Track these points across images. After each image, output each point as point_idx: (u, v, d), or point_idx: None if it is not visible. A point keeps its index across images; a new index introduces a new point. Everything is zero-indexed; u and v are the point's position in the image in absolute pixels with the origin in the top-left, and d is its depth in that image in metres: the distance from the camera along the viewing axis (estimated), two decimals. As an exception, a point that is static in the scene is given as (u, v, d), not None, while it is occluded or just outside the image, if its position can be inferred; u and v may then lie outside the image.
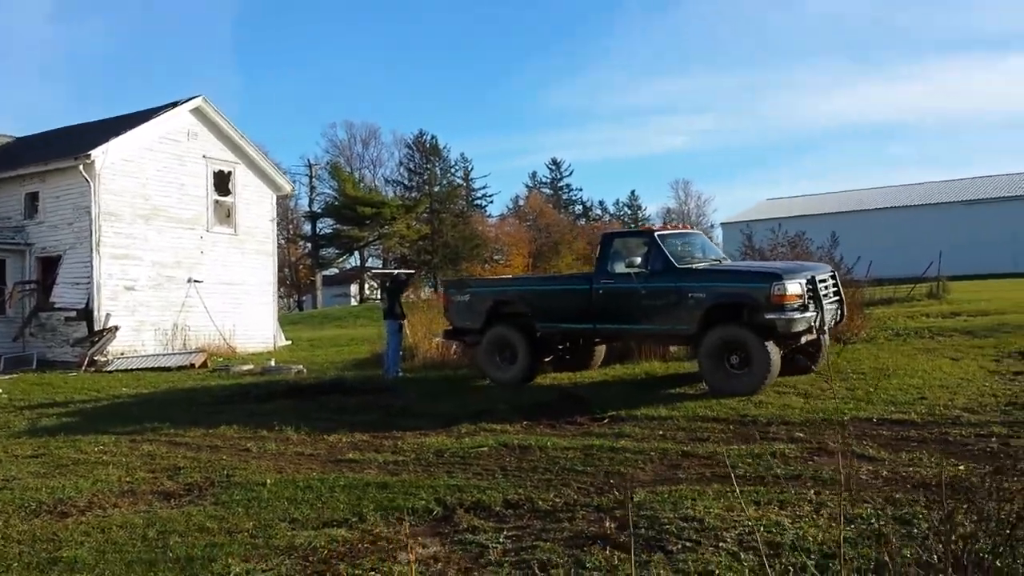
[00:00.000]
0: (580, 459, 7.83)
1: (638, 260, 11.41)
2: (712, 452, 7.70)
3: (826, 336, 10.92)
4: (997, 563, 3.67)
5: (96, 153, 19.95)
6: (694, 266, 11.37)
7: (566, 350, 13.27)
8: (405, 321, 15.46)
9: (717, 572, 4.50)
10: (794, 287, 10.31)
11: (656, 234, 11.66)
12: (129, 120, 22.15)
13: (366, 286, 71.73)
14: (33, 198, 21.66)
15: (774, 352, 10.25)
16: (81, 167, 19.94)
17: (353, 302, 66.95)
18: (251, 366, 18.12)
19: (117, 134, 20.71)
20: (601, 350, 13.86)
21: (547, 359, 13.10)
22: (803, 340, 10.67)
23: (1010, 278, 31.33)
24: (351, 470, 8.00)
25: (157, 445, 9.71)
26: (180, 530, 6.27)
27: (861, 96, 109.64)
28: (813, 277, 10.67)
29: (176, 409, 12.59)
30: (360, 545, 5.72)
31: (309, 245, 69.50)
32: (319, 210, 68.98)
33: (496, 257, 66.63)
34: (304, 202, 71.26)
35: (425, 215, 68.18)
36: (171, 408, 12.76)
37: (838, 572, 4.33)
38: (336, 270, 73.36)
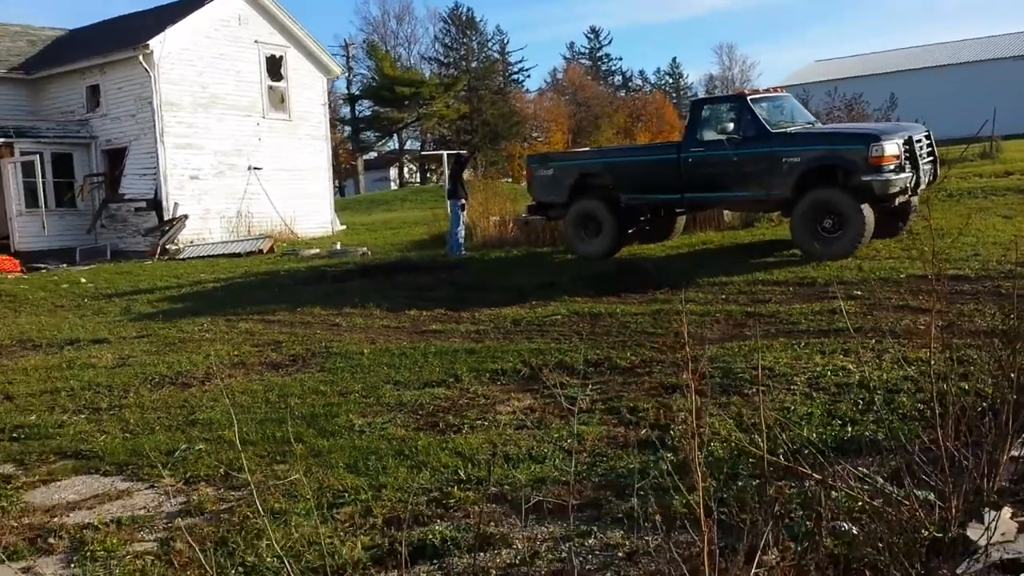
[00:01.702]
0: (650, 323, 8.40)
1: (729, 126, 11.23)
2: (775, 311, 8.21)
3: (916, 197, 10.91)
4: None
5: (154, 42, 20.26)
6: (788, 130, 11.29)
7: (648, 222, 13.30)
8: (464, 201, 15.77)
9: (792, 408, 5.07)
10: (892, 148, 10.21)
11: (748, 98, 11.49)
12: (180, 7, 22.29)
13: (406, 169, 71.87)
14: (94, 91, 22.12)
15: (869, 214, 10.28)
16: (140, 57, 20.30)
17: (393, 186, 67.27)
18: (317, 250, 18.88)
19: (172, 22, 20.95)
20: (682, 221, 13.98)
21: (630, 231, 13.16)
22: (898, 202, 10.65)
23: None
24: (437, 339, 8.67)
25: (252, 323, 10.50)
26: (297, 393, 7.00)
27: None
28: (910, 137, 10.58)
29: (260, 291, 13.40)
30: (460, 401, 6.40)
31: (349, 129, 69.40)
32: (357, 92, 68.47)
33: (535, 134, 66.12)
34: (341, 84, 70.85)
35: (463, 93, 67.29)
36: (255, 290, 13.58)
37: (903, 403, 4.89)
38: (375, 154, 73.34)
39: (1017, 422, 3.38)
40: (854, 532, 2.90)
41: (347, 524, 4.16)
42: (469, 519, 4.03)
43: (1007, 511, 2.93)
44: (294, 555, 3.78)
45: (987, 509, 2.88)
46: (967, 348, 5.94)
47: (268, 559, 3.73)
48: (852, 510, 3.13)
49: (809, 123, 12.02)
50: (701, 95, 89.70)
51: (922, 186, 10.78)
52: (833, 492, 3.18)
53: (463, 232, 15.70)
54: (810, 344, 6.74)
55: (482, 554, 3.39)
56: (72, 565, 4.07)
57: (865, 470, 3.32)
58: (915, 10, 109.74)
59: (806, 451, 3.50)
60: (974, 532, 2.71)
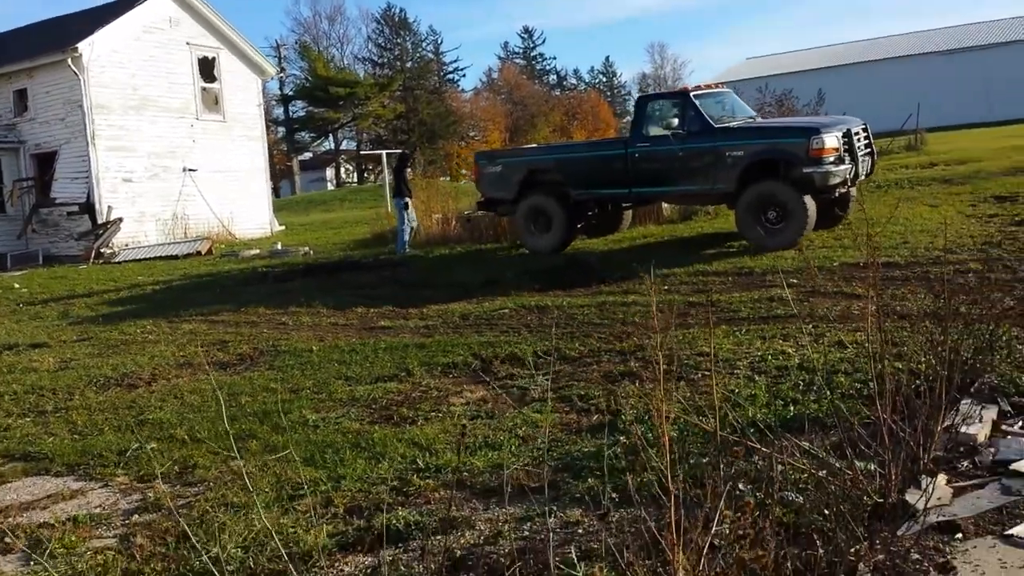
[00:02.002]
0: (596, 314, 8.58)
1: (674, 122, 11.43)
2: (716, 301, 8.45)
3: (855, 188, 11.25)
4: (978, 361, 4.45)
5: (83, 45, 19.78)
6: (730, 124, 11.52)
7: (596, 216, 13.51)
8: (409, 199, 15.79)
9: (737, 390, 5.27)
10: (832, 140, 10.47)
11: (691, 94, 11.67)
12: (109, 10, 21.79)
13: (342, 169, 71.21)
14: (21, 95, 21.50)
15: (811, 205, 10.51)
16: (69, 60, 19.78)
17: (330, 186, 66.57)
18: (257, 251, 18.67)
19: (101, 25, 20.45)
20: (629, 215, 14.18)
21: (579, 226, 13.34)
22: (837, 193, 10.94)
23: (987, 127, 31.92)
24: (386, 335, 8.71)
25: (196, 324, 10.38)
26: (247, 391, 6.98)
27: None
28: (849, 130, 10.86)
29: (201, 292, 13.22)
30: (413, 394, 6.46)
31: (283, 130, 68.46)
32: (290, 93, 67.57)
33: (472, 133, 66.18)
34: (273, 85, 69.73)
35: (399, 93, 66.92)
36: (196, 292, 13.39)
37: (841, 383, 5.13)
38: (310, 154, 72.46)
39: (948, 396, 3.60)
40: (800, 501, 3.07)
41: (308, 515, 4.20)
42: (431, 505, 4.11)
43: (942, 478, 3.14)
44: (258, 545, 3.82)
45: (924, 476, 3.07)
46: (900, 330, 6.22)
47: (232, 550, 3.76)
48: (799, 481, 3.30)
49: (750, 118, 12.30)
50: (636, 93, 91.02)
51: (860, 177, 11.16)
52: (780, 465, 3.36)
53: (408, 230, 15.66)
54: (751, 330, 6.98)
55: (447, 536, 3.48)
56: (31, 563, 4.03)
57: (809, 445, 3.50)
58: (842, 8, 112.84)
59: (752, 430, 3.68)
60: (912, 497, 2.91)
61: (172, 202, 21.75)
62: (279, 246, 18.69)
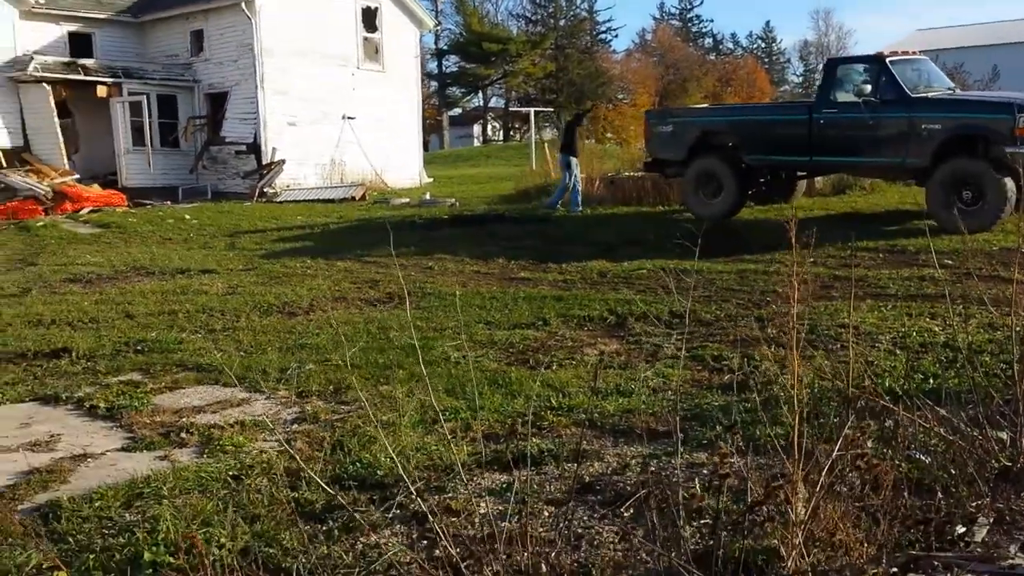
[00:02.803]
0: (735, 280, 8.58)
1: (866, 88, 10.88)
2: (863, 276, 8.28)
3: None
4: None
5: (257, -9, 20.92)
6: (928, 95, 10.89)
7: (767, 184, 13.03)
8: (574, 158, 15.35)
9: (876, 362, 5.24)
10: None
11: (887, 60, 11.08)
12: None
13: (489, 126, 72.05)
14: (198, 36, 22.93)
15: (1011, 188, 9.88)
16: (243, 4, 20.98)
17: (476, 143, 67.55)
18: (407, 199, 19.40)
19: (278, -30, 21.54)
20: (802, 185, 13.63)
21: (749, 192, 12.86)
22: None
23: None
24: (526, 286, 9.02)
25: (350, 263, 11.02)
26: (395, 327, 7.42)
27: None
28: None
29: (355, 235, 13.96)
30: (549, 342, 6.72)
31: (435, 84, 69.78)
32: (445, 47, 68.68)
33: (621, 96, 65.39)
34: (428, 39, 70.93)
35: (550, 51, 66.85)
36: (351, 234, 14.16)
37: (985, 363, 5.02)
38: (459, 110, 73.65)
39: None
40: (927, 460, 3.12)
41: (449, 437, 4.54)
42: (562, 439, 4.37)
43: (1077, 451, 3.11)
44: (404, 456, 4.17)
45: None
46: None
47: (382, 458, 4.13)
48: (928, 444, 3.34)
49: (948, 89, 11.56)
50: (796, 61, 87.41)
51: None
52: (910, 428, 3.41)
53: (571, 187, 15.19)
54: (897, 307, 6.85)
55: (577, 464, 3.72)
56: (204, 455, 4.55)
57: (944, 412, 3.51)
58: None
59: (887, 397, 3.71)
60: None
61: (331, 148, 22.81)
62: (428, 196, 19.35)
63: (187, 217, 17.20)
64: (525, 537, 2.52)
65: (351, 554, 3.03)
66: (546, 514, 3.24)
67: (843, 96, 11.29)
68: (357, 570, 2.73)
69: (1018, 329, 5.37)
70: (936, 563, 2.24)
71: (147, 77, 22.31)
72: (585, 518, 3.17)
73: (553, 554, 2.48)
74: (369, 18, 24.13)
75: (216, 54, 22.45)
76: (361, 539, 3.19)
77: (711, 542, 2.57)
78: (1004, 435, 3.25)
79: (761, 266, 9.15)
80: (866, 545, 2.28)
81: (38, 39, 21.77)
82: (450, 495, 3.60)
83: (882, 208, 12.83)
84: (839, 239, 10.25)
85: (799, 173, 12.94)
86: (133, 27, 23.85)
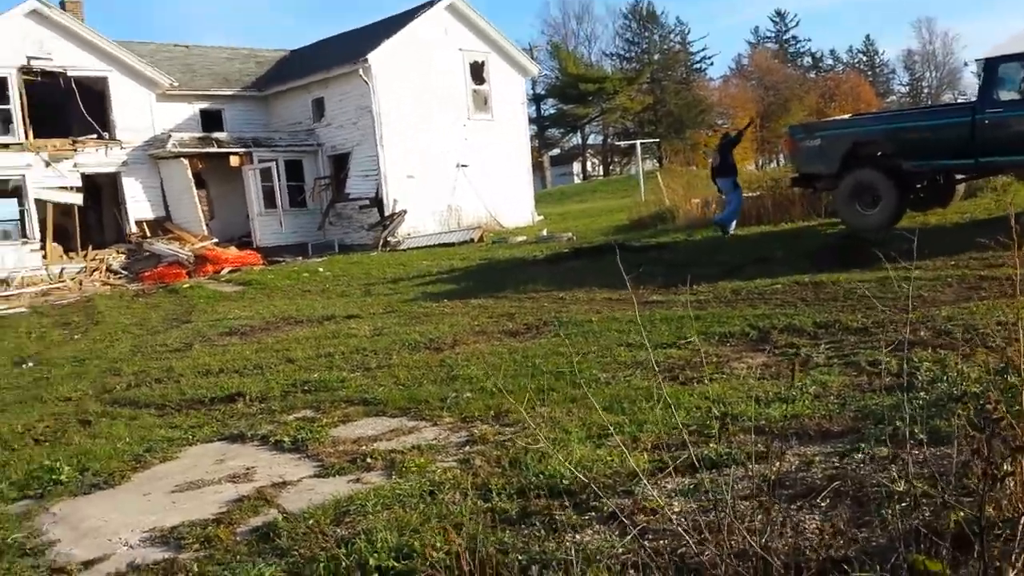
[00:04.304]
0: (876, 288, 8.42)
1: None
2: (1011, 275, 8.02)
3: None
4: None
5: (371, 56, 22.14)
6: None
7: (925, 189, 12.86)
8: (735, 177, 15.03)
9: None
10: None
11: None
12: (393, 23, 24.19)
13: (589, 163, 72.51)
14: (319, 103, 24.35)
15: None
16: (360, 70, 22.21)
17: (576, 179, 68.08)
18: (524, 237, 19.83)
19: (386, 37, 22.78)
20: (961, 188, 13.31)
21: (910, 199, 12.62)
22: None
23: None
24: (660, 308, 9.12)
25: (484, 299, 11.38)
26: (540, 354, 7.66)
27: None
28: None
29: (483, 273, 14.40)
30: (693, 360, 6.79)
31: (534, 127, 70.88)
32: (542, 92, 69.91)
33: (720, 121, 64.78)
34: (527, 85, 72.11)
35: (646, 85, 67.12)
36: (478, 273, 14.60)
37: None
38: (558, 150, 74.54)
39: None
40: None
41: (619, 449, 4.71)
42: (735, 444, 4.47)
43: None
44: (583, 467, 4.37)
45: None
46: None
47: (561, 470, 4.34)
48: None
49: None
50: (901, 71, 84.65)
51: None
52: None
53: (739, 208, 14.88)
54: (1058, 303, 6.63)
55: (759, 465, 3.83)
56: (393, 476, 4.87)
57: None
58: None
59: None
60: None
61: (447, 194, 23.63)
62: (545, 232, 19.73)
63: (320, 270, 18.07)
64: (731, 526, 2.67)
65: (560, 551, 3.23)
66: (741, 507, 3.37)
67: (1008, 95, 11.02)
68: (574, 562, 2.92)
69: None
70: None
71: (274, 145, 23.76)
72: (783, 509, 3.28)
73: (763, 539, 2.62)
74: (477, 71, 25.05)
75: (336, 118, 23.72)
76: (567, 537, 3.39)
77: (915, 522, 2.65)
78: None
79: (900, 272, 8.97)
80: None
81: (173, 118, 23.55)
82: (638, 498, 3.76)
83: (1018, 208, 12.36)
84: (977, 240, 9.96)
85: (958, 176, 12.64)
86: (258, 100, 25.51)
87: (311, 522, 4.12)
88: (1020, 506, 2.19)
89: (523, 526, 3.71)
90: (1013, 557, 1.99)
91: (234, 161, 22.80)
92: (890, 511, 2.66)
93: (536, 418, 5.69)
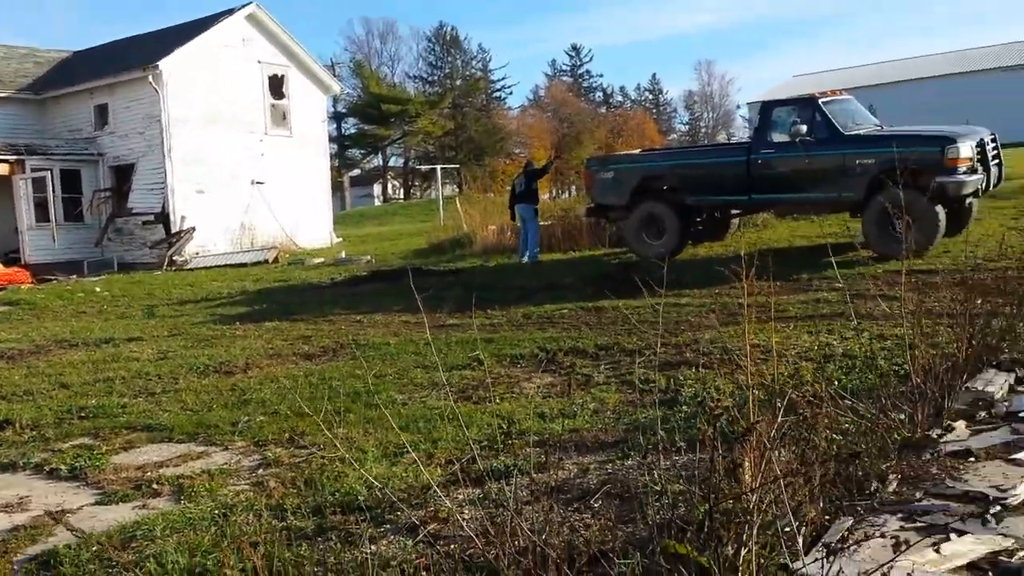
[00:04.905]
0: (651, 314, 9.17)
1: (802, 128, 11.44)
2: (765, 302, 8.98)
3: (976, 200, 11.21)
4: (1004, 342, 5.01)
5: (163, 63, 21.09)
6: (860, 132, 11.53)
7: (703, 223, 13.58)
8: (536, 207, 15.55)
9: (787, 373, 5.87)
10: (966, 150, 10.49)
11: (819, 101, 11.69)
12: (187, 29, 23.17)
13: (390, 185, 72.63)
14: (102, 110, 22.85)
15: (942, 215, 10.51)
16: (150, 77, 21.10)
17: (376, 201, 67.99)
18: (322, 259, 19.60)
19: (179, 44, 21.76)
20: (736, 222, 14.24)
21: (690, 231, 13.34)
22: (967, 202, 10.94)
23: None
24: (456, 331, 9.42)
25: (278, 322, 11.20)
26: (336, 377, 7.71)
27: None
28: (981, 139, 10.89)
29: (277, 296, 14.11)
30: (486, 380, 7.12)
31: (335, 146, 70.05)
32: (343, 110, 69.26)
33: (518, 150, 67.03)
34: (327, 103, 71.16)
35: (448, 110, 68.35)
36: (272, 295, 14.29)
37: (880, 366, 5.71)
38: (359, 171, 74.12)
39: (970, 363, 4.19)
40: (841, 439, 3.69)
41: (414, 465, 4.89)
42: (520, 457, 4.78)
43: (962, 423, 3.74)
44: (377, 485, 4.50)
45: (946, 420, 3.68)
46: (936, 327, 6.77)
47: (358, 487, 4.46)
48: (840, 427, 3.92)
49: (876, 126, 12.24)
50: (682, 110, 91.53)
51: (990, 187, 11.17)
52: (826, 419, 3.98)
53: (538, 236, 15.42)
54: (798, 326, 7.57)
55: (541, 474, 4.15)
56: (182, 501, 4.77)
57: (851, 401, 4.11)
58: (887, 29, 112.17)
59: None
60: (935, 435, 3.52)
61: (240, 212, 22.88)
62: (343, 254, 19.61)
63: (97, 290, 16.96)
64: (514, 526, 2.93)
65: (358, 559, 3.36)
66: (525, 511, 3.65)
67: (778, 136, 11.94)
68: (370, 566, 3.06)
69: (907, 334, 6.12)
70: (859, 508, 2.77)
71: (50, 153, 22.05)
72: (561, 511, 3.59)
73: (543, 536, 2.90)
74: (276, 85, 24.51)
75: (121, 127, 22.40)
76: (364, 548, 3.52)
77: (671, 515, 3.03)
78: (903, 416, 3.85)
79: (671, 299, 9.83)
80: (807, 500, 2.80)
81: (-68, 117, 21.30)
82: (431, 509, 3.96)
83: (776, 242, 13.82)
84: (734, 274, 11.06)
85: (734, 212, 13.62)
86: (34, 103, 23.63)
87: (94, 549, 3.98)
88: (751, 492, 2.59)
89: (320, 541, 3.80)
90: (743, 535, 2.37)
91: (3, 169, 20.90)
92: (650, 508, 3.02)
93: (332, 440, 5.76)
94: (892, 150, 10.75)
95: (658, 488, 3.23)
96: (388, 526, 3.87)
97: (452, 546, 3.21)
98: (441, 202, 27.72)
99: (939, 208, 10.60)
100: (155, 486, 5.08)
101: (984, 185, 10.86)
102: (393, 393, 6.94)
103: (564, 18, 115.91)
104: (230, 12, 23.39)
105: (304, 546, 3.72)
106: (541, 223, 16.10)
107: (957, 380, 3.98)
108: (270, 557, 3.56)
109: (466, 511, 3.76)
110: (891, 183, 10.52)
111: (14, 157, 21.19)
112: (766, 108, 12.44)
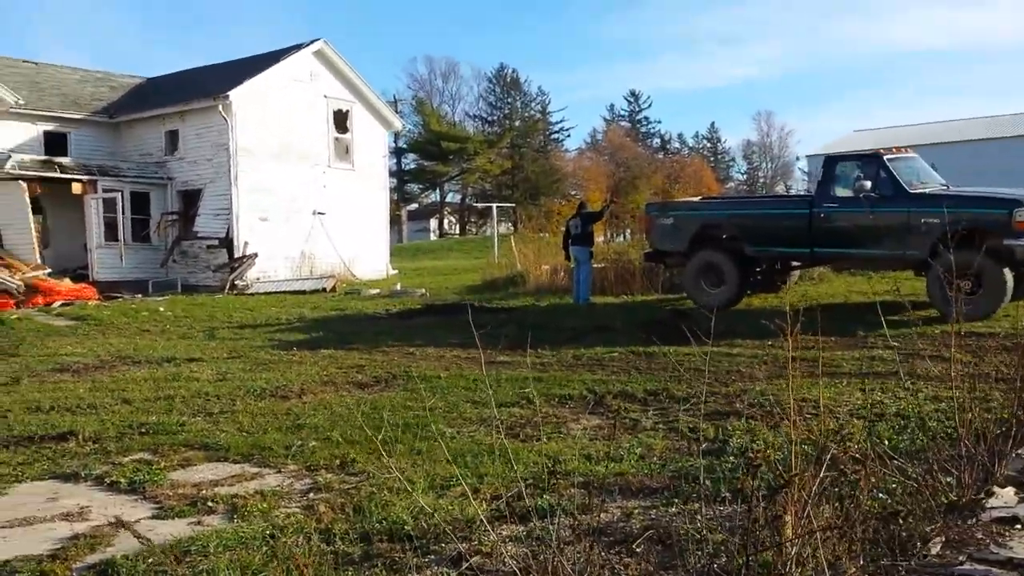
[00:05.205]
0: (701, 362, 9.18)
1: (866, 184, 11.38)
2: (818, 356, 8.96)
3: None
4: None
5: (233, 93, 21.90)
6: (926, 190, 11.45)
7: (762, 273, 13.48)
8: (592, 249, 15.62)
9: (836, 429, 5.84)
10: None
11: (884, 157, 11.65)
12: (258, 61, 24.03)
13: (446, 221, 73.49)
14: (173, 136, 23.73)
15: (1009, 278, 10.43)
16: (220, 106, 21.90)
17: (432, 236, 68.80)
18: (378, 290, 19.94)
19: (250, 76, 22.57)
20: (796, 274, 14.16)
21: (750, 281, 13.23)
22: None
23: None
24: (507, 369, 9.53)
25: (334, 350, 11.44)
26: (387, 407, 7.85)
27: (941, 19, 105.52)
28: None
29: (334, 324, 14.41)
30: (534, 419, 7.19)
31: (394, 180, 71.31)
32: (404, 146, 70.58)
33: (573, 192, 67.39)
34: (388, 138, 72.61)
35: (506, 150, 69.19)
36: (330, 323, 14.59)
37: (933, 428, 5.66)
38: (416, 205, 75.21)
39: (1022, 430, 4.16)
40: (887, 499, 3.70)
41: (460, 498, 4.98)
42: (566, 496, 4.84)
43: (1011, 489, 3.71)
44: (425, 514, 4.61)
45: (995, 487, 3.67)
46: (991, 390, 6.67)
47: (404, 516, 4.57)
48: (888, 487, 3.92)
49: (943, 185, 12.16)
50: (741, 159, 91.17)
51: None
52: (872, 478, 3.98)
53: (591, 279, 15.51)
54: (851, 383, 7.51)
55: (585, 516, 4.21)
56: (235, 520, 4.93)
57: (900, 462, 4.11)
58: (949, 86, 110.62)
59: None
60: (983, 498, 3.50)
61: (301, 241, 23.45)
62: (399, 287, 19.93)
63: (161, 309, 17.48)
64: (556, 566, 3.01)
65: (401, 588, 3.46)
66: (567, 551, 3.71)
67: (842, 191, 11.90)
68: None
69: (958, 398, 6.05)
70: (901, 569, 2.78)
71: (122, 174, 22.91)
72: (603, 553, 3.65)
73: (584, 576, 2.97)
74: (340, 120, 25.19)
75: (191, 153, 23.19)
76: (407, 576, 3.63)
77: (710, 563, 3.08)
78: (951, 479, 3.84)
79: (724, 348, 9.80)
80: (847, 556, 2.83)
81: (15, 138, 22.32)
82: (476, 543, 4.05)
83: (832, 297, 13.70)
84: (797, 322, 10.99)
85: (794, 264, 13.51)
86: (108, 127, 24.60)
87: (150, 561, 4.15)
88: (792, 545, 2.64)
89: (366, 566, 3.91)
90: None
91: (76, 188, 21.79)
92: (692, 555, 3.08)
93: (381, 469, 5.88)
94: (959, 210, 10.72)
95: (699, 536, 3.28)
96: (432, 556, 3.97)
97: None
98: (496, 240, 28.03)
99: (1007, 271, 10.46)
100: (210, 504, 5.25)
101: None
102: (442, 426, 7.04)
103: (624, 64, 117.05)
104: (299, 47, 24.21)
105: (350, 571, 3.84)
106: (595, 265, 16.19)
107: (1008, 446, 3.95)
108: (318, 578, 3.69)
109: (509, 546, 3.83)
110: (958, 244, 10.30)
111: (87, 177, 22.09)
112: (830, 162, 12.39)
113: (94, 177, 22.28)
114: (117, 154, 24.50)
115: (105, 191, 22.26)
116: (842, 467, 3.25)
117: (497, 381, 8.73)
